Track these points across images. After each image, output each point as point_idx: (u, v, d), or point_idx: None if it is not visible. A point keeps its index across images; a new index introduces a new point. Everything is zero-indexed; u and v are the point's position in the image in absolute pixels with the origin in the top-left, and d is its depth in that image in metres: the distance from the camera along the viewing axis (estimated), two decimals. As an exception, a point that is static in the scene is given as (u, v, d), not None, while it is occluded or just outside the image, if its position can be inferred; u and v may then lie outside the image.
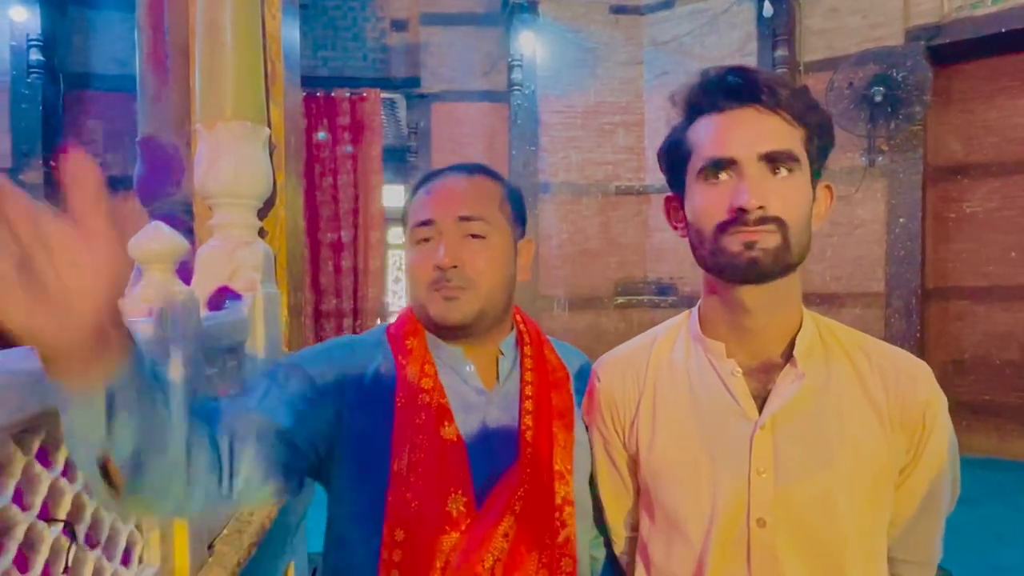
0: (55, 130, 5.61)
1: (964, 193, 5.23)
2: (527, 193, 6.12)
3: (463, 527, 0.85)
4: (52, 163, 5.58)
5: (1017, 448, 5.02)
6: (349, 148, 5.98)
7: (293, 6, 1.70)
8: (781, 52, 5.44)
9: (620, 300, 6.13)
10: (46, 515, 0.68)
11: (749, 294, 0.84)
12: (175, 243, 0.96)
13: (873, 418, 0.86)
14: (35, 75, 5.40)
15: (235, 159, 1.41)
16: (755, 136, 0.80)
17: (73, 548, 0.70)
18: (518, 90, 6.02)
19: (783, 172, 0.80)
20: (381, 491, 0.85)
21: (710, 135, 0.83)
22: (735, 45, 5.71)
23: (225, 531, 1.18)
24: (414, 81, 6.14)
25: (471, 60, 6.21)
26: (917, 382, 0.87)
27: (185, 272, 1.46)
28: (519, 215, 1.02)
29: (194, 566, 1.00)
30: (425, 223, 0.92)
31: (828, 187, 0.89)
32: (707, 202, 0.83)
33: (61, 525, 0.69)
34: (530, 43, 6.01)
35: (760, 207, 0.78)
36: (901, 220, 5.14)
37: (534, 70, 6.07)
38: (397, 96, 6.09)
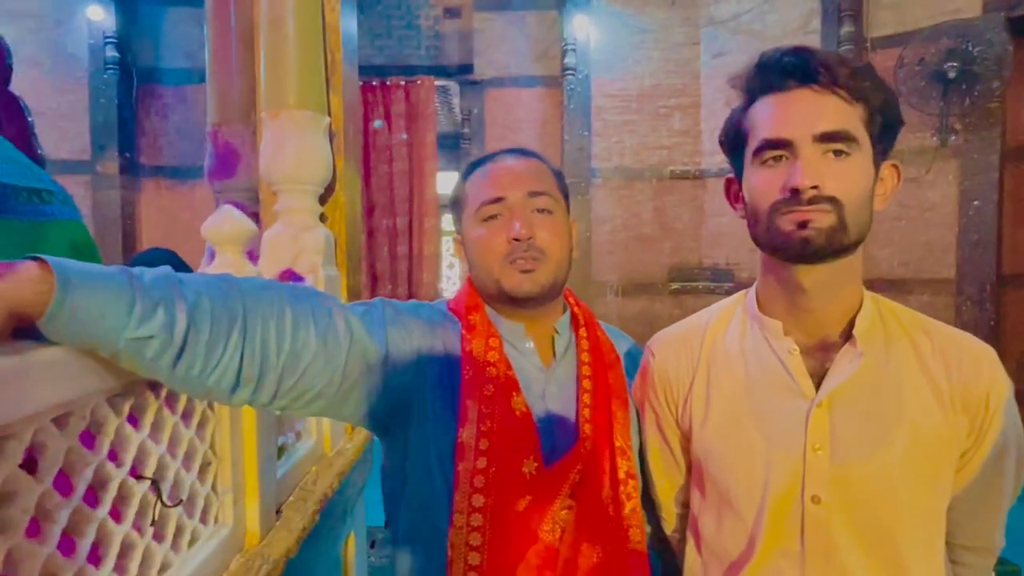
0: (129, 123, 5.89)
1: (1047, 174, 4.92)
2: (580, 178, 6.09)
3: (537, 492, 0.88)
4: (127, 155, 5.87)
5: (1101, 444, 4.73)
6: (404, 135, 6.07)
7: (351, -3, 1.75)
8: (847, 28, 5.20)
9: (674, 286, 6.05)
10: (135, 473, 0.74)
11: (805, 274, 0.84)
12: (245, 226, 1.02)
13: (933, 400, 0.84)
14: (111, 71, 5.69)
15: (298, 146, 1.47)
16: (811, 116, 0.80)
17: (158, 505, 0.76)
18: (571, 75, 5.97)
19: (840, 153, 0.80)
20: (448, 461, 0.89)
21: (766, 117, 0.83)
22: (798, 22, 5.50)
23: (291, 498, 1.25)
24: (467, 68, 6.17)
25: (524, 45, 6.19)
26: (981, 364, 0.85)
27: (252, 258, 1.54)
28: (568, 195, 1.06)
29: (264, 528, 1.07)
30: (495, 200, 0.96)
31: (895, 166, 0.88)
32: (763, 183, 0.83)
33: (148, 483, 0.75)
34: (584, 27, 5.94)
35: (814, 187, 0.78)
36: (975, 203, 4.87)
37: (588, 54, 6.00)
38: (451, 83, 6.14)
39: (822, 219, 0.79)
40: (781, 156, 0.82)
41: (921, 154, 5.07)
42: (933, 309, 5.10)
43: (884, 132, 0.84)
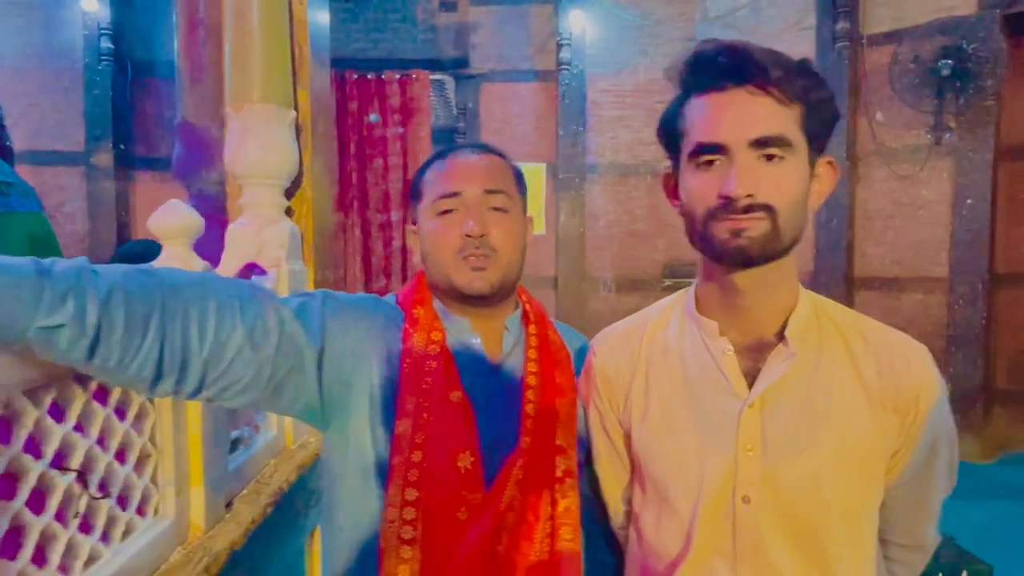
0: (124, 115, 5.89)
1: (1041, 173, 4.90)
2: (575, 174, 6.08)
3: (472, 487, 0.88)
4: (122, 147, 5.88)
5: (1092, 444, 4.73)
6: (399, 129, 6.06)
7: (321, -10, 1.74)
8: (843, 25, 5.18)
9: (668, 282, 6.04)
10: (59, 465, 0.75)
11: (741, 277, 0.84)
12: (191, 219, 1.02)
13: (863, 400, 0.84)
14: (105, 63, 5.68)
15: (262, 141, 1.47)
16: (745, 120, 0.79)
17: (85, 496, 0.77)
18: (566, 69, 5.96)
19: (774, 158, 0.79)
20: (385, 454, 0.89)
21: (701, 118, 0.82)
22: (793, 18, 5.48)
23: (245, 491, 1.25)
24: (463, 61, 6.16)
25: (520, 40, 6.18)
26: (912, 364, 0.85)
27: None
28: (525, 193, 1.06)
29: (210, 521, 1.07)
30: (451, 195, 0.96)
31: (831, 163, 0.87)
32: (697, 187, 0.83)
33: (74, 475, 0.75)
34: (579, 21, 5.93)
35: (748, 195, 0.78)
36: (969, 201, 4.85)
37: (583, 49, 5.99)
38: (446, 77, 6.12)
39: (756, 227, 0.79)
40: (716, 159, 0.81)
41: (915, 152, 5.05)
42: (926, 307, 5.09)
43: (820, 130, 0.83)
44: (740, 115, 0.79)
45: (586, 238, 6.18)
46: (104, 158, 5.79)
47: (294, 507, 1.41)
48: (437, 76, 6.13)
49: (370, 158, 6.04)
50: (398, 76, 6.02)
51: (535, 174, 6.16)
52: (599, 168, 6.13)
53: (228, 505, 1.17)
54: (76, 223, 5.82)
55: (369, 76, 5.97)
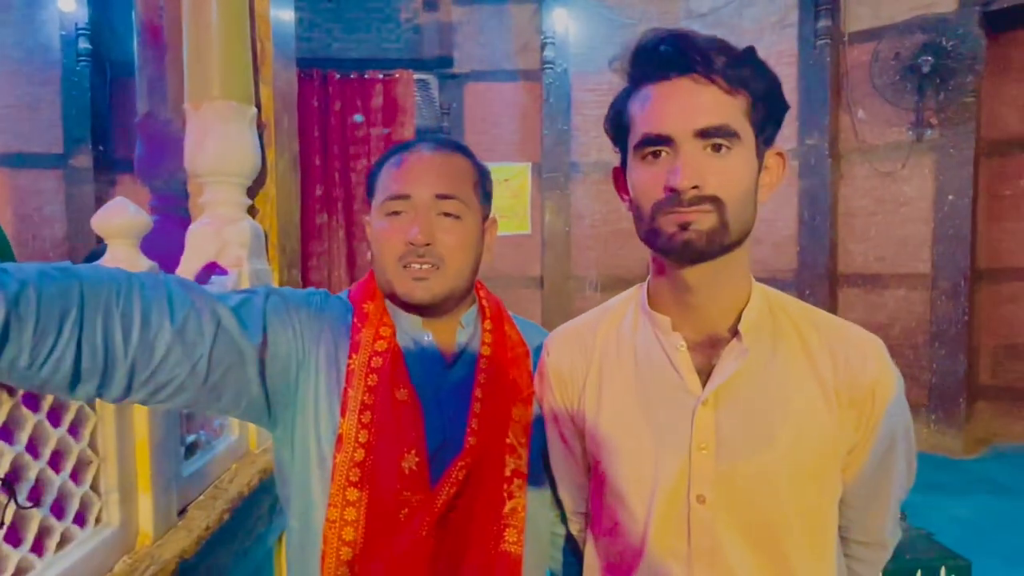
0: (103, 116, 5.82)
1: (1021, 169, 4.92)
2: (560, 173, 6.07)
3: (416, 488, 0.85)
4: (101, 148, 5.80)
5: (1075, 437, 4.76)
6: (384, 129, 6.02)
7: (285, -15, 1.71)
8: (824, 22, 5.19)
9: (653, 281, 6.04)
10: (-17, 474, 0.72)
11: (690, 272, 0.82)
12: (137, 218, 0.99)
13: (818, 395, 0.82)
14: (83, 63, 5.61)
15: (221, 138, 1.44)
16: (690, 110, 0.76)
17: (12, 505, 0.74)
18: (550, 68, 5.94)
19: (720, 148, 0.77)
20: (329, 452, 0.86)
21: (646, 109, 0.80)
22: (775, 16, 5.48)
23: (201, 497, 1.22)
24: (447, 61, 6.12)
25: (503, 39, 6.16)
26: (867, 358, 0.83)
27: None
28: (488, 194, 1.02)
29: (159, 529, 1.04)
30: (400, 196, 0.92)
31: (780, 154, 0.85)
32: (644, 180, 0.80)
33: (-2, 483, 0.72)
34: (563, 20, 5.91)
35: (694, 187, 0.75)
36: (950, 197, 4.87)
37: (567, 48, 5.98)
38: (430, 76, 6.09)
39: (703, 220, 0.76)
40: (661, 151, 0.79)
41: (896, 149, 5.07)
42: (909, 304, 5.11)
43: (768, 120, 0.81)
44: (684, 105, 0.77)
45: (571, 237, 6.17)
46: (83, 160, 5.72)
47: (256, 512, 1.38)
48: (421, 76, 6.10)
49: (354, 158, 6.00)
50: (381, 76, 5.98)
51: (520, 173, 6.15)
52: (584, 167, 6.12)
53: (182, 512, 1.14)
54: (55, 226, 5.74)
55: (352, 76, 5.93)
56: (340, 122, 5.99)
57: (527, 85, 6.15)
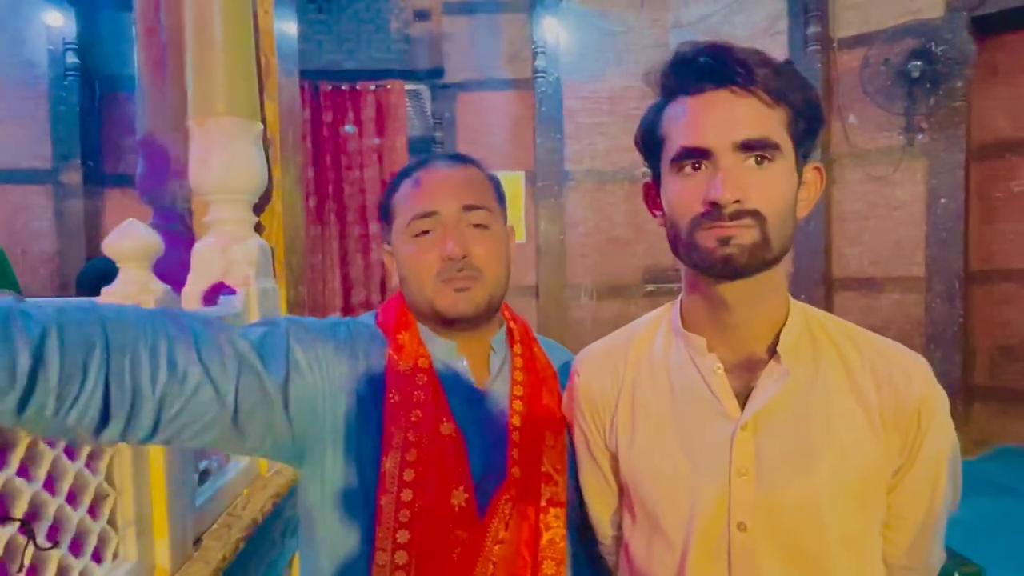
0: (92, 131, 5.76)
1: (1011, 171, 4.96)
2: (553, 181, 6.06)
3: (466, 525, 0.83)
4: (90, 164, 5.74)
5: (1070, 437, 4.78)
6: (376, 140, 6.01)
7: (288, -1, 1.69)
8: (814, 29, 5.23)
9: (649, 288, 6.04)
10: (3, 514, 0.68)
11: (728, 289, 0.80)
12: (150, 240, 0.96)
13: (862, 417, 0.80)
14: (71, 78, 5.55)
15: (227, 155, 1.41)
16: (729, 123, 0.74)
17: (31, 547, 0.70)
18: (542, 77, 5.94)
19: (762, 160, 0.75)
20: (372, 491, 0.83)
21: (683, 122, 0.78)
22: (764, 23, 5.52)
23: (216, 525, 1.19)
24: (438, 72, 6.11)
25: (495, 48, 6.16)
26: (912, 378, 0.81)
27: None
28: (504, 202, 1.01)
29: (176, 562, 1.00)
30: (426, 215, 0.90)
31: (818, 168, 0.84)
32: (681, 194, 0.78)
33: (16, 524, 0.69)
34: (553, 29, 5.92)
35: (736, 201, 0.73)
36: (942, 201, 4.91)
37: (558, 57, 5.98)
38: (422, 87, 6.08)
39: (744, 235, 0.74)
40: (700, 164, 0.77)
41: (888, 153, 5.10)
42: (904, 307, 5.13)
43: (806, 134, 0.80)
44: (724, 117, 0.75)
45: (566, 246, 6.15)
46: (72, 175, 5.65)
47: (269, 538, 1.34)
48: (412, 86, 6.09)
49: (347, 169, 5.98)
50: (373, 87, 5.97)
51: (514, 182, 6.13)
52: (577, 175, 6.12)
53: (197, 542, 1.10)
54: (44, 243, 5.66)
55: (344, 87, 5.91)
56: (332, 133, 5.97)
57: (519, 94, 6.14)
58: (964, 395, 4.85)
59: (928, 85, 4.70)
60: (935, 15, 4.78)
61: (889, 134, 5.06)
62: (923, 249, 5.02)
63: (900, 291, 5.16)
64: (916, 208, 5.05)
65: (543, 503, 0.88)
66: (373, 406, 0.86)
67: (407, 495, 0.81)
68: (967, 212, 4.87)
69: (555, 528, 0.88)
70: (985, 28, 4.72)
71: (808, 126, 0.79)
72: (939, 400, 0.81)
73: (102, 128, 5.79)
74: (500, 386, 0.95)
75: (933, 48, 4.64)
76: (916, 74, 4.68)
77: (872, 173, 5.19)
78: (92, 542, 0.83)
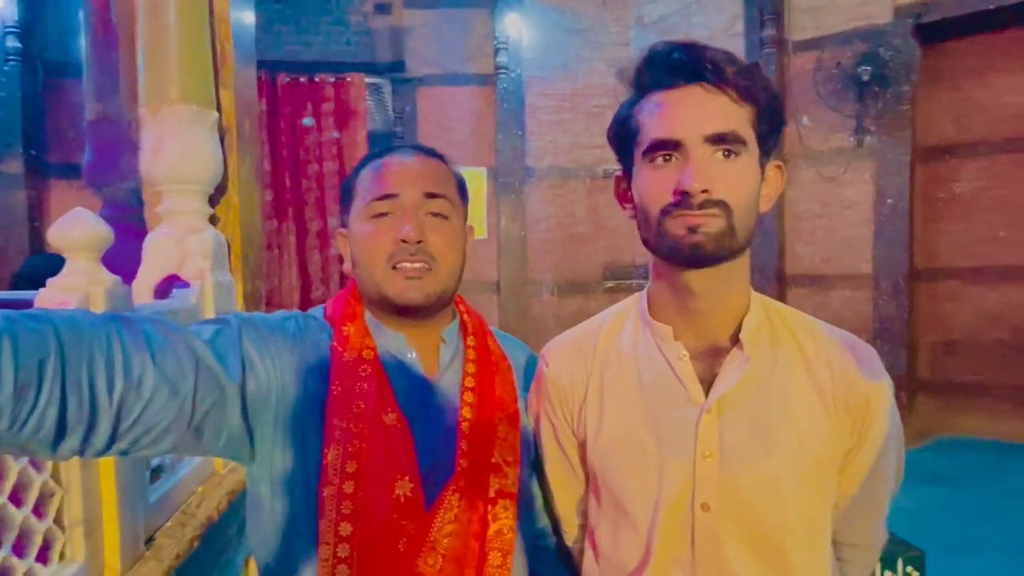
0: (36, 119, 5.52)
1: (953, 173, 5.18)
2: (515, 178, 6.07)
3: (411, 516, 0.82)
4: (33, 153, 5.50)
5: (1008, 429, 5.00)
6: (335, 134, 5.91)
7: (245, -15, 1.65)
8: (769, 31, 5.35)
9: (609, 284, 6.10)
10: (-61, 514, 0.65)
11: (694, 278, 0.83)
12: (98, 230, 0.92)
13: (818, 402, 0.84)
14: (12, 63, 5.30)
15: (181, 144, 1.37)
16: (700, 116, 0.78)
17: (-29, 547, 0.67)
18: (504, 73, 5.94)
19: (729, 154, 0.79)
20: (314, 485, 0.82)
21: (655, 115, 0.81)
22: (722, 25, 5.63)
23: (169, 523, 1.15)
24: (399, 65, 6.06)
25: (457, 43, 6.12)
26: (862, 365, 0.85)
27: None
28: (466, 199, 1.02)
29: (127, 561, 0.97)
30: (387, 196, 0.89)
31: (779, 167, 0.88)
32: (652, 184, 0.81)
33: (-45, 524, 0.66)
34: (516, 25, 5.92)
35: (704, 191, 0.76)
36: (889, 201, 5.09)
37: (520, 53, 5.99)
38: (383, 81, 6.01)
39: (712, 224, 0.78)
40: (671, 156, 0.80)
41: (839, 154, 5.26)
42: (853, 303, 5.31)
43: (769, 132, 0.83)
44: (695, 111, 0.79)
45: (527, 242, 6.17)
46: (14, 165, 5.39)
47: (225, 537, 1.31)
48: (373, 80, 6.01)
49: (305, 163, 5.87)
50: (332, 79, 5.87)
51: (475, 178, 6.12)
52: (538, 172, 6.14)
53: (149, 541, 1.07)
54: (-17, 235, 5.40)
55: (302, 79, 5.80)
56: (290, 126, 5.85)
57: (481, 90, 6.13)
58: (908, 388, 5.05)
59: (877, 89, 4.87)
60: (883, 21, 4.95)
61: (840, 136, 5.22)
62: (871, 247, 5.19)
63: (849, 288, 5.34)
64: (865, 208, 5.22)
65: (491, 494, 0.88)
66: (318, 399, 0.85)
67: (349, 487, 0.80)
68: (912, 212, 5.06)
69: (503, 519, 0.88)
70: (930, 35, 4.91)
71: (771, 125, 0.83)
72: (887, 388, 0.86)
73: (46, 116, 5.55)
74: (450, 378, 0.94)
75: (881, 53, 4.80)
76: (866, 78, 4.83)
77: (824, 173, 5.35)
78: (37, 542, 0.80)
